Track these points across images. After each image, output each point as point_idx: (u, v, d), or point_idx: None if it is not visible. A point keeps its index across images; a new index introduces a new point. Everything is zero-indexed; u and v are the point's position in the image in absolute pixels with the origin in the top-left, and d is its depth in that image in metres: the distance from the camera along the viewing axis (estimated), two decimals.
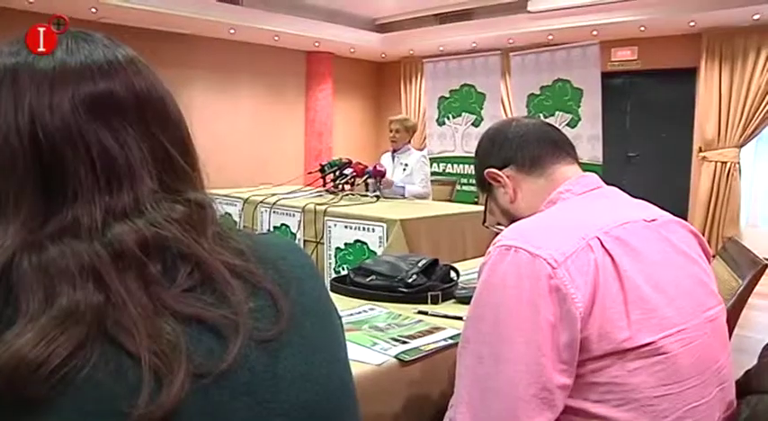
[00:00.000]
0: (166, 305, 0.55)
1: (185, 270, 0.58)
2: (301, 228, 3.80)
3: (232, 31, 7.85)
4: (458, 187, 5.89)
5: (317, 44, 8.87)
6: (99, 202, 0.57)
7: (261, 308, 0.60)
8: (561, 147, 1.27)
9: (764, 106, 6.79)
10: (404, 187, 4.68)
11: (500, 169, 1.29)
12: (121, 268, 0.54)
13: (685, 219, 1.20)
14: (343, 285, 1.90)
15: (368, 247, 3.41)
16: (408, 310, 1.71)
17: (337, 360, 0.67)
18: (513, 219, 1.26)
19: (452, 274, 1.97)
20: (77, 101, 0.58)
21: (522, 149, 1.27)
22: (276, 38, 8.33)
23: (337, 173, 4.31)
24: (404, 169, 4.79)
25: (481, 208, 1.45)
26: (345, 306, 1.74)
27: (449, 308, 1.75)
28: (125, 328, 0.52)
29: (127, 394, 0.50)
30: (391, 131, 4.92)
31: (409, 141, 4.96)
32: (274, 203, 4.02)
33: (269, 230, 4.06)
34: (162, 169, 0.62)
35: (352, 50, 9.38)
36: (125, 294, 0.53)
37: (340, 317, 0.74)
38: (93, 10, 6.67)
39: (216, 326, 0.56)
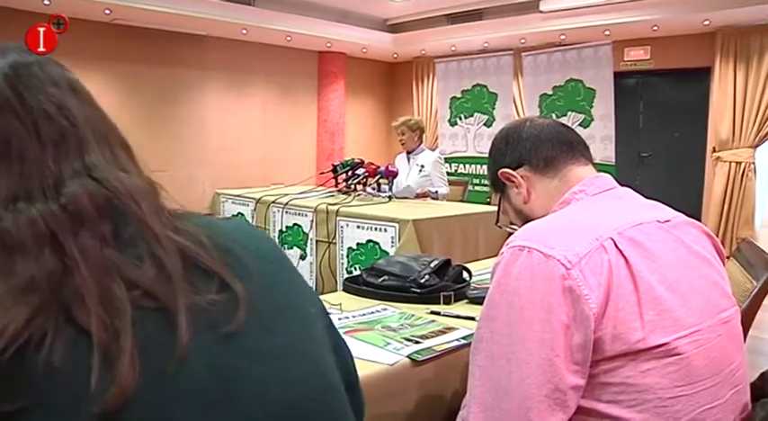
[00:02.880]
0: (118, 269, 0.54)
1: (134, 236, 0.57)
2: (313, 227, 3.82)
3: (244, 31, 7.88)
4: (470, 187, 5.89)
5: (328, 44, 8.88)
6: (50, 168, 0.56)
7: (215, 293, 0.58)
8: (575, 148, 1.27)
9: None
10: (437, 191, 4.72)
11: (514, 169, 1.28)
12: (77, 227, 0.54)
13: (699, 220, 1.19)
14: (355, 285, 1.90)
15: (380, 247, 3.41)
16: (421, 311, 1.71)
17: (308, 353, 0.63)
18: (526, 219, 1.26)
19: (465, 275, 1.97)
20: (12, 73, 0.59)
21: (536, 149, 1.27)
22: (288, 38, 8.36)
23: (349, 173, 4.32)
24: (420, 170, 4.79)
25: (493, 208, 1.45)
26: (358, 306, 1.75)
27: (461, 308, 1.75)
28: (79, 295, 0.51)
29: (81, 373, 0.49)
30: (399, 135, 4.94)
31: (420, 140, 4.95)
32: (287, 203, 4.04)
33: (280, 230, 4.07)
34: (106, 142, 0.63)
35: (363, 51, 9.39)
36: (79, 255, 0.53)
37: (319, 308, 0.70)
38: (107, 11, 6.72)
39: (161, 299, 0.54)
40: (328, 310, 1.67)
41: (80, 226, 0.54)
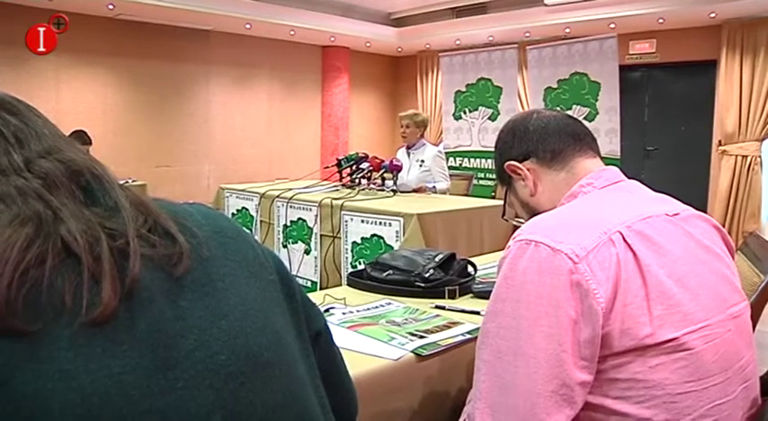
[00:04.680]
0: (92, 216, 0.61)
1: (100, 196, 0.64)
2: (318, 222, 3.81)
3: (248, 26, 7.87)
4: (475, 181, 5.87)
5: (332, 39, 8.86)
6: (16, 153, 0.63)
7: (165, 245, 0.63)
8: (583, 140, 1.25)
9: None
10: (434, 186, 4.67)
11: (521, 162, 1.27)
12: (53, 190, 0.60)
13: (705, 214, 1.18)
14: (359, 280, 1.89)
15: (384, 242, 3.40)
16: (425, 305, 1.70)
17: (260, 310, 0.67)
18: (533, 212, 1.24)
19: (470, 269, 1.95)
20: None
21: (543, 142, 1.25)
22: (292, 33, 8.34)
23: (354, 167, 4.31)
24: (420, 165, 4.77)
25: (498, 202, 1.44)
26: (362, 300, 1.74)
27: (466, 302, 1.74)
28: (66, 228, 0.57)
29: (77, 294, 0.54)
30: (402, 127, 4.91)
31: (422, 136, 4.93)
32: (291, 198, 4.03)
33: (285, 224, 4.07)
34: (58, 135, 0.69)
35: (367, 45, 9.37)
36: (60, 205, 0.59)
37: (279, 277, 0.74)
38: (111, 6, 6.71)
39: (123, 235, 0.60)
40: (332, 305, 1.67)
41: (56, 189, 0.61)
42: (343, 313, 1.62)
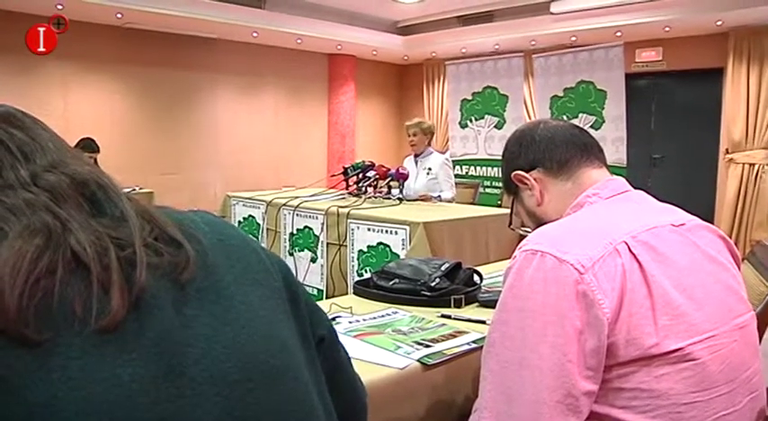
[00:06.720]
0: (99, 226, 0.62)
1: (106, 207, 0.65)
2: (324, 230, 3.82)
3: (255, 34, 7.90)
4: (481, 190, 5.87)
5: (339, 47, 8.89)
6: (22, 168, 0.64)
7: (170, 252, 0.64)
8: (589, 150, 1.26)
9: None
10: (439, 197, 4.66)
11: (527, 171, 1.27)
12: (60, 203, 0.61)
13: (712, 223, 1.18)
14: (366, 288, 1.90)
15: (391, 250, 3.41)
16: (431, 314, 1.70)
17: (265, 316, 0.68)
18: (539, 221, 1.25)
19: (475, 278, 1.95)
20: None
21: (549, 152, 1.26)
22: (298, 41, 8.37)
23: (360, 175, 4.32)
24: (427, 173, 4.77)
25: (504, 211, 1.44)
26: (368, 309, 1.74)
27: (472, 311, 1.75)
28: (75, 238, 0.58)
29: (87, 304, 0.55)
30: (409, 136, 4.92)
31: (429, 143, 4.94)
32: (297, 206, 4.04)
33: (291, 233, 4.08)
34: (63, 148, 0.70)
35: (374, 53, 9.39)
36: (68, 216, 0.60)
37: (284, 284, 0.74)
38: (119, 15, 6.75)
39: (130, 245, 0.61)
40: (339, 314, 1.67)
41: (63, 201, 0.62)
42: (350, 322, 1.62)
